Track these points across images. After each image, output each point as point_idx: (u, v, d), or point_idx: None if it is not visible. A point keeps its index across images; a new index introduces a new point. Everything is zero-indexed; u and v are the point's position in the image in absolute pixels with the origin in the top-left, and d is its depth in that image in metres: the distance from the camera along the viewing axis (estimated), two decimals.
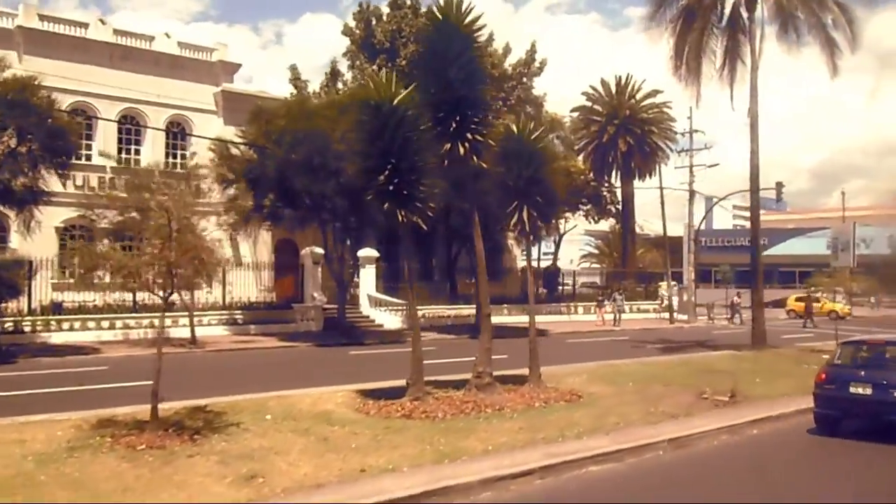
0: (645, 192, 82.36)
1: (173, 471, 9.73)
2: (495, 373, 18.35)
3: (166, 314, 28.94)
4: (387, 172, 13.56)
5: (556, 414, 14.16)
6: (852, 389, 13.25)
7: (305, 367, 22.81)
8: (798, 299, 52.31)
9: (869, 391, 13.03)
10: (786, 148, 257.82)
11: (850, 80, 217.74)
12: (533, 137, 16.41)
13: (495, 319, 39.68)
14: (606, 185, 53.90)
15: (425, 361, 21.96)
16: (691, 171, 45.68)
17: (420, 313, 37.66)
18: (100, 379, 19.22)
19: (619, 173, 53.02)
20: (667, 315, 46.34)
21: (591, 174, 51.14)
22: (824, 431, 13.84)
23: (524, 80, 43.49)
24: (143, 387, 17.46)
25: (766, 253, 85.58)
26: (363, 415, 13.63)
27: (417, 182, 13.79)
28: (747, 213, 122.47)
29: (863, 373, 13.41)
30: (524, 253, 70.31)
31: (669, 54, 27.69)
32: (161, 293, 11.93)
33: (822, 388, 13.94)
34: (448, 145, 14.75)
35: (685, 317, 46.26)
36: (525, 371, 19.33)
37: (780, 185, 43.98)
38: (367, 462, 10.42)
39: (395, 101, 13.73)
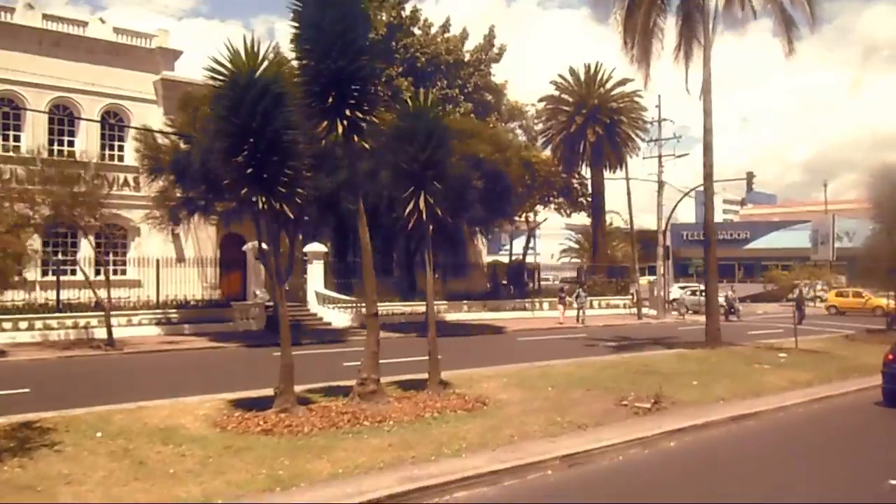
0: (622, 185, 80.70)
1: None
2: (408, 377, 16.90)
3: (92, 313, 27.85)
4: (245, 153, 11.88)
5: (444, 426, 12.49)
6: None
7: (211, 371, 21.13)
8: (838, 294, 49.70)
9: None
10: (779, 142, 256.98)
11: (843, 74, 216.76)
12: (432, 115, 14.72)
13: (453, 317, 38.80)
14: (577, 176, 52.26)
15: (348, 364, 20.71)
16: (660, 162, 43.96)
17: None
18: None
19: (588, 164, 51.22)
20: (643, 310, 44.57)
21: (560, 166, 49.50)
22: (891, 404, 15.71)
23: (482, 66, 41.78)
24: (15, 396, 15.95)
25: (748, 246, 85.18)
26: (218, 430, 11.94)
27: (281, 165, 12.09)
28: (736, 207, 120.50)
29: None
30: (504, 248, 68.98)
31: (619, 30, 25.94)
32: None
33: (889, 367, 15.85)
34: (325, 123, 13.09)
35: (655, 312, 44.59)
36: (451, 373, 17.90)
37: (750, 175, 42.45)
38: (176, 492, 8.77)
39: (258, 73, 12.08)
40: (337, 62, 12.80)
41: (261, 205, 12.06)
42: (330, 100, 12.85)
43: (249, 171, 11.89)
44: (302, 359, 23.24)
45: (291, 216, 12.38)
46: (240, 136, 11.92)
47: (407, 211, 14.34)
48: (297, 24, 13.16)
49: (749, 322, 41.26)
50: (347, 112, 12.96)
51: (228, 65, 12.18)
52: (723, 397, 16.11)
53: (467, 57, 41.64)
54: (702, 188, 27.47)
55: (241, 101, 11.88)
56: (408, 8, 40.95)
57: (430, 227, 14.73)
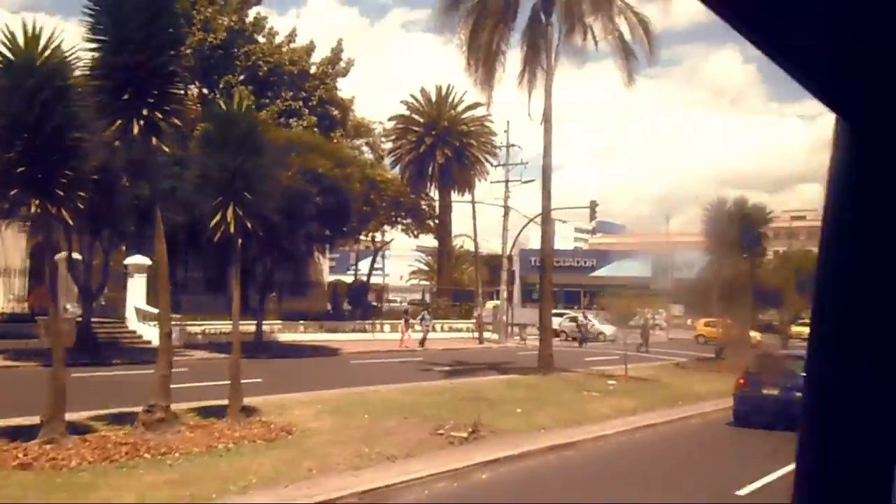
0: (478, 208, 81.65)
1: None
2: (212, 403, 15.62)
3: None
4: (17, 149, 10.48)
5: (237, 459, 11.41)
6: (764, 391, 16.45)
7: None
8: (707, 324, 49.33)
9: (776, 392, 16.00)
10: (632, 175, 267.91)
11: (692, 114, 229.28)
12: (246, 121, 13.69)
13: (288, 337, 37.31)
14: (425, 197, 51.99)
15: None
16: (507, 186, 44.30)
17: (199, 329, 34.56)
18: None
19: (436, 186, 51.08)
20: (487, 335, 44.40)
21: (408, 186, 49.07)
22: (740, 424, 16.98)
23: (328, 80, 40.87)
24: None
25: (594, 273, 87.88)
26: None
27: (61, 164, 10.76)
28: (587, 236, 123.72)
29: (773, 378, 16.49)
30: (352, 267, 67.82)
31: (463, 50, 25.71)
32: None
33: (741, 390, 17.17)
34: (118, 122, 11.83)
35: (497, 336, 44.67)
36: (264, 398, 16.81)
37: (594, 204, 43.45)
38: None
39: (39, 62, 10.73)
40: (135, 56, 11.59)
41: (33, 208, 10.69)
42: (126, 96, 11.62)
43: (21, 169, 10.48)
44: (107, 380, 21.66)
45: (70, 222, 11.08)
46: (12, 130, 10.52)
47: (213, 222, 13.21)
48: (92, 12, 11.85)
49: (588, 348, 41.97)
50: (145, 111, 11.74)
51: (4, 51, 10.77)
52: (544, 426, 15.80)
53: (313, 69, 40.65)
54: (535, 217, 27.58)
55: (17, 91, 10.50)
56: (251, 14, 39.57)
57: (240, 241, 13.64)
